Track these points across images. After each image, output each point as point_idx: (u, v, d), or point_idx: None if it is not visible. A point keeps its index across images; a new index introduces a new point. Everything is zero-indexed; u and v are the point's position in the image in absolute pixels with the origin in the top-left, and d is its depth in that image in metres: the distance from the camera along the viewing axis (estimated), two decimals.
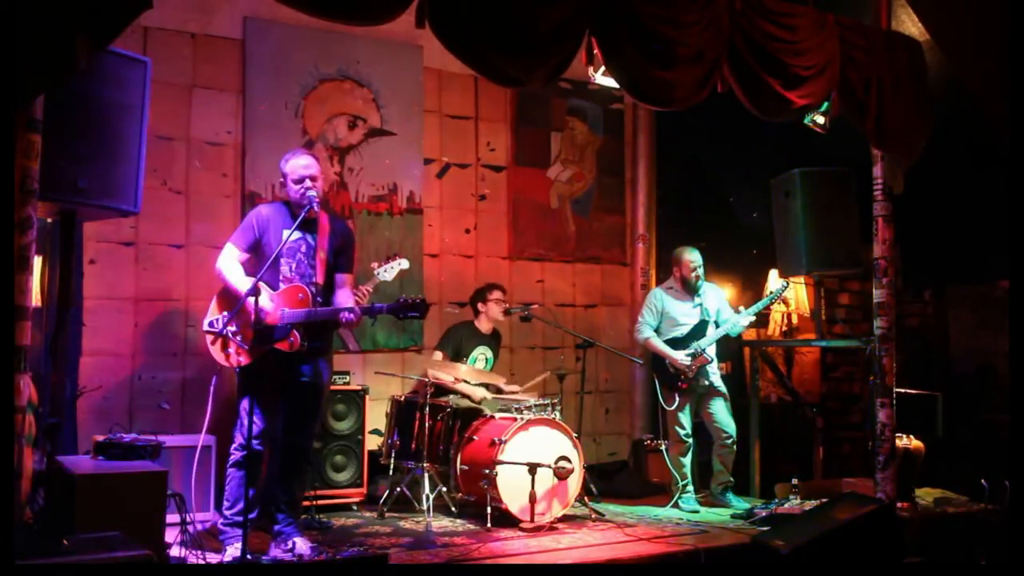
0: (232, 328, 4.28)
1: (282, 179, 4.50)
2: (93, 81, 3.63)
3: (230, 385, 4.96)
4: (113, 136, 3.74)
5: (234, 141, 5.83)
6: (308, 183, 4.38)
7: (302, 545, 4.33)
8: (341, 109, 6.18)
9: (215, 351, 4.36)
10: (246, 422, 4.30)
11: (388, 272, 5.05)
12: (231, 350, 4.31)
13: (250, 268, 4.41)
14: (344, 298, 4.49)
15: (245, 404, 4.33)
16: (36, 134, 3.16)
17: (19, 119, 3.08)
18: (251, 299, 4.03)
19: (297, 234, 4.38)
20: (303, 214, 4.34)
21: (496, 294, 6.08)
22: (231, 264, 4.37)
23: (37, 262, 3.76)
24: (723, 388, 5.94)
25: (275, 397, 4.38)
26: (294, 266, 4.39)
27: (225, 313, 4.33)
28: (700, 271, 5.95)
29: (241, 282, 4.29)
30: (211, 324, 4.37)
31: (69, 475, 3.79)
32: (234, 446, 4.36)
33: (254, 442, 4.30)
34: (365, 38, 6.14)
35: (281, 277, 4.36)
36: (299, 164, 4.43)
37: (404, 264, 5.10)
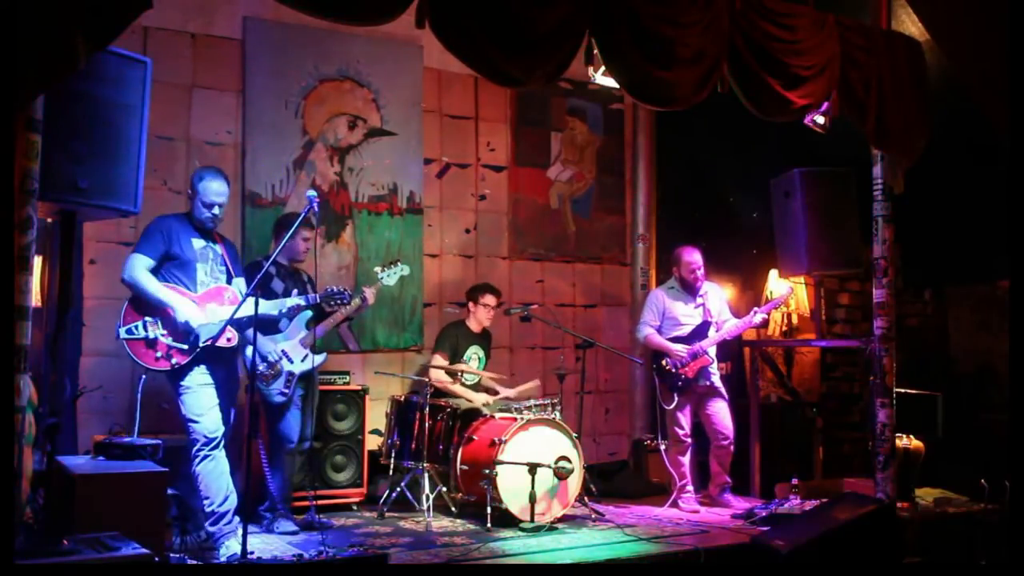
0: (162, 332, 4.28)
1: (191, 191, 4.53)
2: (93, 81, 3.62)
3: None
4: (113, 136, 3.73)
5: (234, 141, 5.83)
6: (216, 210, 4.49)
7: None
8: (341, 109, 6.18)
9: (140, 356, 4.30)
10: (200, 420, 4.31)
11: (390, 277, 5.21)
12: (160, 353, 4.29)
13: (156, 274, 4.41)
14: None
15: (194, 403, 4.33)
16: (36, 134, 3.16)
17: (19, 119, 3.08)
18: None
19: (202, 243, 4.49)
20: (304, 213, 4.47)
21: (487, 298, 6.06)
22: (146, 275, 4.32)
23: (37, 262, 3.76)
24: (723, 389, 5.94)
25: (220, 389, 4.42)
26: (208, 270, 4.48)
27: (147, 318, 4.29)
28: (700, 271, 5.94)
29: (162, 291, 4.30)
30: (129, 331, 4.29)
31: (69, 475, 3.79)
32: (196, 447, 4.32)
33: (218, 436, 4.34)
34: (365, 38, 6.14)
35: (199, 281, 4.44)
36: (212, 189, 4.47)
37: (405, 270, 5.27)
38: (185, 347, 4.29)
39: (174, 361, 4.29)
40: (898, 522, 5.08)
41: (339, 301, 5.05)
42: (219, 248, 4.57)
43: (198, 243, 4.48)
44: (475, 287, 6.17)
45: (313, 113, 6.08)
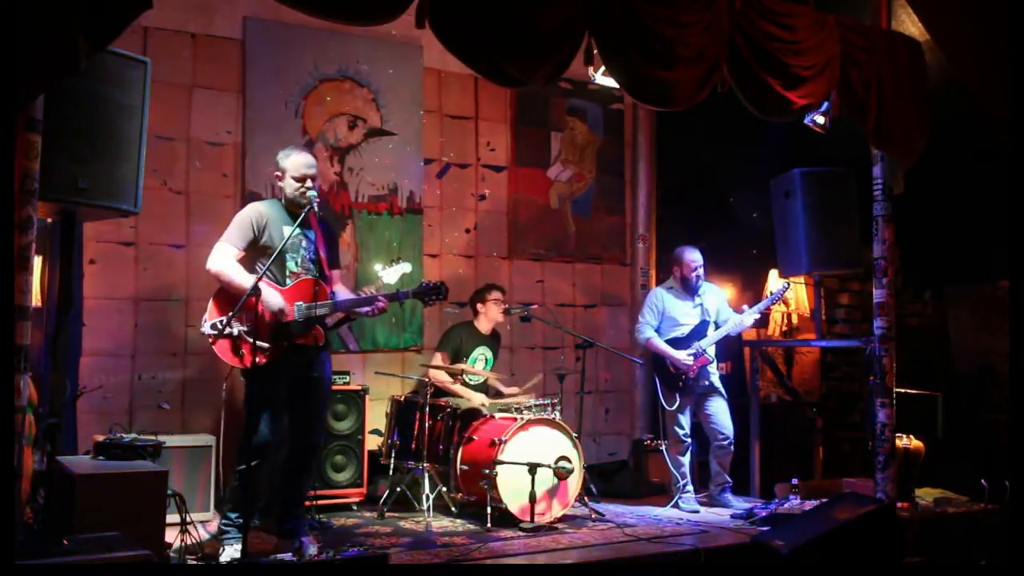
0: (243, 328, 4.19)
1: (278, 173, 4.46)
2: (93, 81, 3.63)
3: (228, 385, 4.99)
4: (113, 136, 3.74)
5: (234, 141, 5.83)
6: (309, 183, 4.40)
7: (309, 544, 4.35)
8: (341, 109, 6.18)
9: (224, 353, 4.24)
10: (255, 422, 4.26)
11: (392, 275, 5.14)
12: (244, 351, 4.20)
13: (246, 266, 4.34)
14: (343, 292, 4.57)
15: (254, 404, 4.29)
16: (36, 134, 3.17)
17: (19, 119, 3.08)
18: (258, 297, 4.00)
19: (297, 230, 4.37)
20: (305, 212, 4.34)
21: (495, 295, 6.08)
22: (234, 263, 4.27)
23: (37, 262, 3.77)
24: (722, 389, 5.94)
25: (285, 395, 4.36)
26: (299, 261, 4.40)
27: (231, 314, 4.16)
28: (701, 271, 5.94)
29: (248, 281, 4.17)
30: (214, 326, 4.22)
31: (69, 475, 3.79)
32: (244, 448, 4.29)
33: (265, 441, 4.30)
34: (365, 38, 6.14)
35: (288, 273, 4.36)
36: (302, 162, 4.43)
37: (407, 268, 5.20)
38: (267, 346, 4.18)
39: (257, 360, 4.14)
40: (898, 522, 5.08)
41: (436, 296, 4.67)
42: (312, 235, 4.44)
43: (288, 230, 4.33)
44: (478, 290, 6.18)
45: (313, 113, 6.08)
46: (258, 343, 4.12)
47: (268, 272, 4.23)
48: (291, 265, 4.37)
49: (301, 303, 4.30)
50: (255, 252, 4.36)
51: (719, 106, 4.81)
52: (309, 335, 4.30)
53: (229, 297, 4.26)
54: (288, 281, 4.35)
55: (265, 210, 4.44)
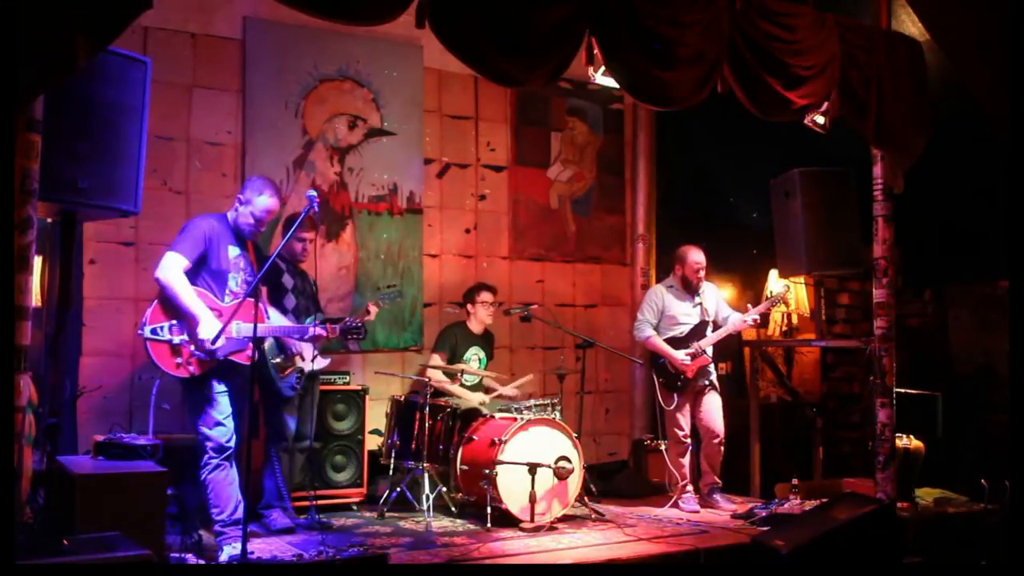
0: (184, 337, 4.26)
1: (242, 201, 4.51)
2: (93, 81, 3.63)
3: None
4: (113, 136, 3.74)
5: (234, 141, 5.83)
6: (262, 228, 4.57)
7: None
8: (341, 109, 6.18)
9: (162, 359, 4.25)
10: (214, 429, 4.32)
11: (384, 301, 5.39)
12: (180, 359, 4.26)
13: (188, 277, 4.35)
14: (276, 313, 4.79)
15: (209, 412, 4.33)
16: (36, 134, 3.16)
17: (19, 119, 3.08)
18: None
19: (236, 251, 4.48)
20: (304, 213, 4.40)
21: (484, 296, 6.08)
22: (181, 278, 4.27)
23: (37, 262, 3.77)
24: (718, 388, 5.92)
25: (234, 399, 4.40)
26: (239, 281, 4.46)
27: (173, 322, 4.26)
28: (703, 273, 5.93)
29: (193, 301, 4.24)
30: (155, 332, 4.24)
31: (69, 475, 3.79)
32: (207, 456, 4.32)
33: (231, 445, 4.34)
34: (365, 38, 6.14)
35: (228, 291, 4.42)
36: (268, 206, 4.51)
37: (397, 295, 5.62)
38: (205, 358, 4.26)
39: (192, 369, 4.27)
40: (898, 522, 5.08)
41: (356, 336, 4.93)
42: (250, 257, 4.55)
43: (233, 251, 4.45)
44: (470, 289, 6.19)
45: (313, 113, 6.08)
46: (197, 353, 4.25)
47: (210, 290, 4.35)
48: (232, 284, 4.44)
49: (239, 321, 4.34)
50: (198, 266, 4.37)
51: (719, 106, 4.81)
52: (243, 353, 4.35)
53: (173, 305, 4.28)
54: (227, 300, 4.40)
55: (215, 226, 4.46)
